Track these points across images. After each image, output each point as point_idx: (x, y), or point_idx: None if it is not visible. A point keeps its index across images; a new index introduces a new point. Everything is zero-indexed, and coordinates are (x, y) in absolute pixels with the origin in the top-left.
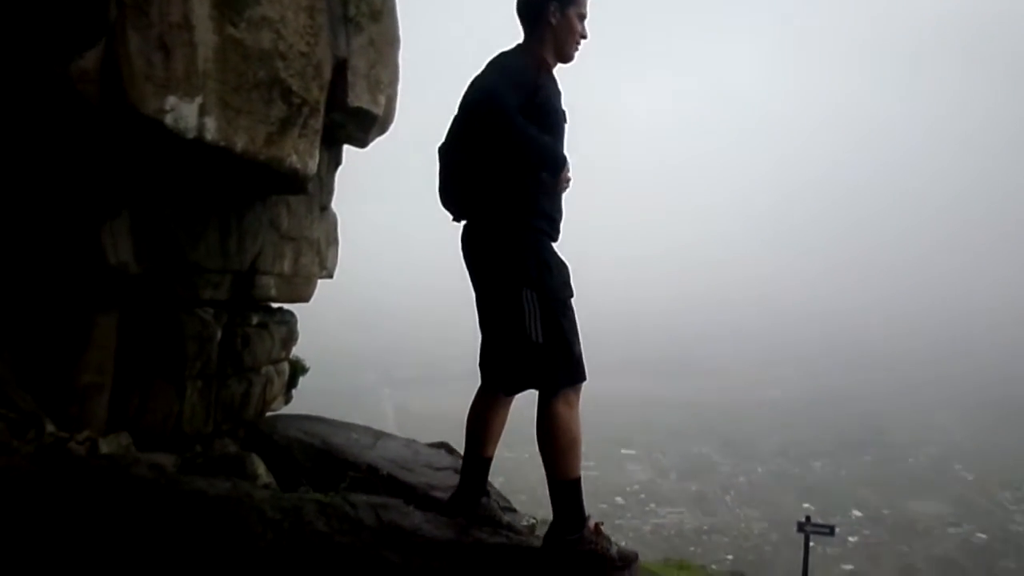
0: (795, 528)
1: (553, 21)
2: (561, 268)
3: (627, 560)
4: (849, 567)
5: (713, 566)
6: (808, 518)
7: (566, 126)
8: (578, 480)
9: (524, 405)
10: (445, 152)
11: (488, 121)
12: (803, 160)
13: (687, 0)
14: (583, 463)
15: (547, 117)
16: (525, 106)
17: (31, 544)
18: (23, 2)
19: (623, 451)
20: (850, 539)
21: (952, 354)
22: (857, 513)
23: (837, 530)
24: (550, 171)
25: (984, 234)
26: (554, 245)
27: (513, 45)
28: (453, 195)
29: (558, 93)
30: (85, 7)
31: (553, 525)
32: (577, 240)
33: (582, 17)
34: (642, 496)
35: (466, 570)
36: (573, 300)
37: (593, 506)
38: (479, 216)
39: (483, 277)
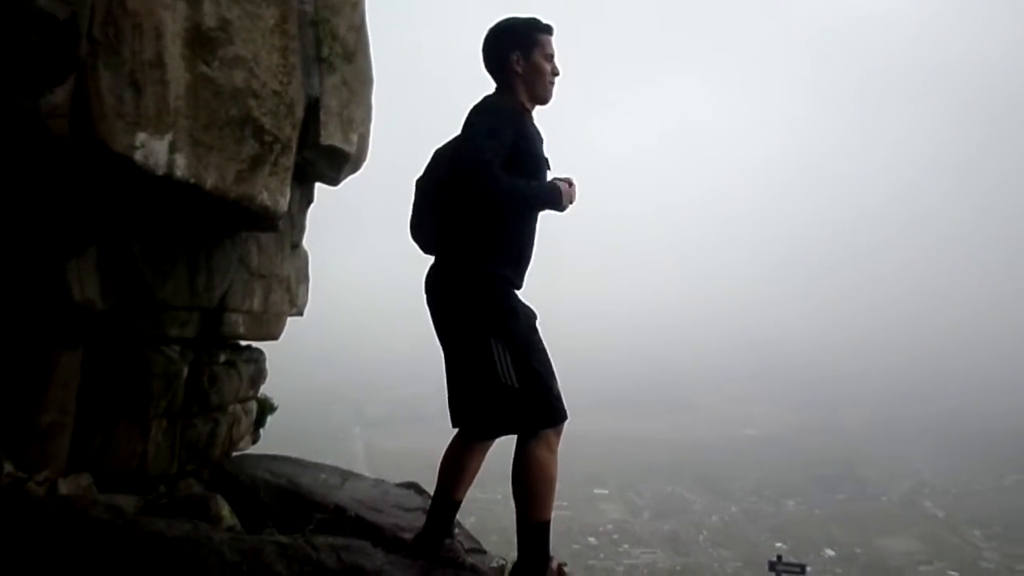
0: (767, 567)
1: (519, 69)
2: (527, 313)
3: None
4: None
5: None
6: (780, 557)
7: (548, 172)
8: (548, 523)
9: (496, 444)
10: (422, 188)
11: (482, 196)
12: (774, 196)
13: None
14: (556, 503)
15: (528, 164)
16: (510, 156)
17: None
18: None
19: (596, 490)
20: None
21: (922, 391)
22: (830, 552)
23: (809, 569)
24: (552, 207)
25: (954, 273)
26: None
27: (489, 93)
28: (423, 229)
29: (540, 139)
30: (55, 44)
31: (517, 566)
32: (544, 274)
33: (548, 57)
34: (615, 536)
35: None
36: (544, 343)
37: (566, 547)
38: (445, 258)
39: (448, 324)
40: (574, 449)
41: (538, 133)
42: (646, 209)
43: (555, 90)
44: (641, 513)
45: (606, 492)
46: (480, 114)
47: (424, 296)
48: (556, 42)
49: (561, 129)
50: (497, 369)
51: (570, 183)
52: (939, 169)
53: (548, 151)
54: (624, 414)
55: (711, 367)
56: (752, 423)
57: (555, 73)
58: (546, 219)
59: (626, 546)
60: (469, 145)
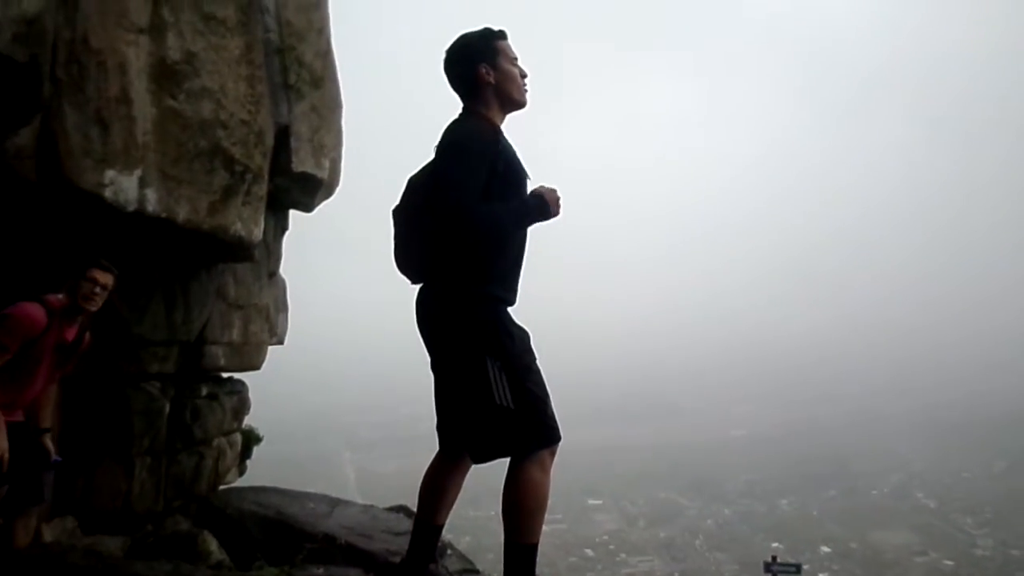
0: (763, 569)
1: (491, 80)
2: (522, 334)
3: None
4: None
5: None
6: (775, 557)
7: (528, 182)
8: (536, 545)
9: (487, 464)
10: (400, 216)
11: (467, 239)
12: (750, 196)
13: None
14: (551, 517)
15: (509, 181)
16: (489, 179)
17: None
18: None
19: (590, 501)
20: None
21: (908, 383)
22: (826, 549)
23: (806, 567)
24: (539, 220)
25: (940, 269)
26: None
27: (459, 114)
28: (409, 259)
29: (514, 152)
30: (16, 86)
31: None
32: (528, 288)
33: (513, 60)
34: (611, 547)
35: None
36: (538, 362)
37: (562, 560)
38: (435, 282)
39: (441, 347)
40: (565, 461)
41: (511, 147)
42: (626, 218)
43: (529, 92)
44: (636, 521)
45: (600, 502)
46: (450, 149)
47: (416, 321)
48: (515, 46)
49: (538, 138)
50: (493, 391)
51: (552, 190)
52: (918, 176)
53: (525, 161)
54: (612, 423)
55: (692, 372)
56: (739, 424)
57: (523, 75)
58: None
59: (623, 555)
60: (444, 190)
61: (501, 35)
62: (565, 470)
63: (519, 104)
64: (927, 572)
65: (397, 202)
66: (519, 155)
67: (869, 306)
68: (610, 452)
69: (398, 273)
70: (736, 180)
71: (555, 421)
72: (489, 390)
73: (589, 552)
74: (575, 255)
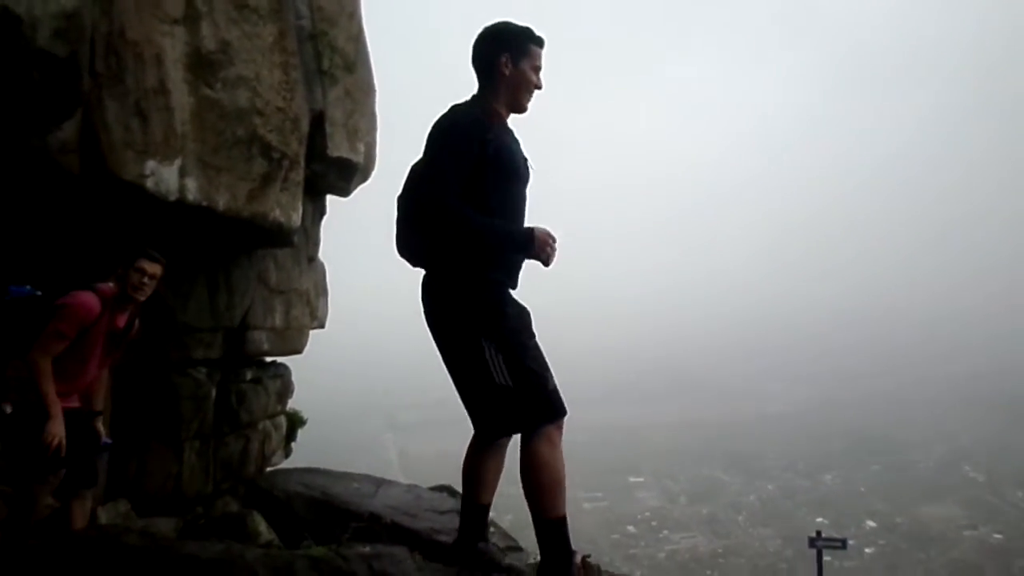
0: (808, 544)
1: (506, 72)
2: (519, 312)
3: None
4: None
5: None
6: (819, 532)
7: (530, 172)
8: (563, 518)
9: (517, 443)
10: (400, 202)
11: (437, 223)
12: (788, 167)
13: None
14: (592, 495)
15: (501, 169)
16: (477, 165)
17: None
18: None
19: (631, 479)
20: (867, 550)
21: (952, 353)
22: (871, 523)
23: (851, 542)
24: (515, 250)
25: (978, 229)
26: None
27: (459, 101)
28: (410, 246)
29: (514, 142)
30: (58, 80)
31: (542, 565)
32: (562, 264)
33: (536, 69)
34: (654, 523)
35: None
36: (538, 340)
37: (605, 537)
38: (434, 268)
39: (442, 332)
40: (605, 439)
41: (511, 137)
42: (633, 184)
43: (531, 104)
44: (678, 498)
45: (641, 480)
46: (433, 140)
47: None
48: (545, 56)
49: (548, 108)
50: (491, 370)
51: (546, 233)
52: (960, 146)
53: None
54: (647, 400)
55: (721, 347)
56: (777, 399)
57: (537, 87)
58: (541, 210)
59: (666, 532)
60: (422, 181)
61: (537, 41)
62: (604, 448)
63: (519, 109)
64: (976, 546)
65: (400, 190)
66: (519, 147)
67: (911, 276)
68: (648, 429)
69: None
70: (743, 139)
71: (557, 395)
72: (487, 370)
73: (631, 529)
74: (589, 223)
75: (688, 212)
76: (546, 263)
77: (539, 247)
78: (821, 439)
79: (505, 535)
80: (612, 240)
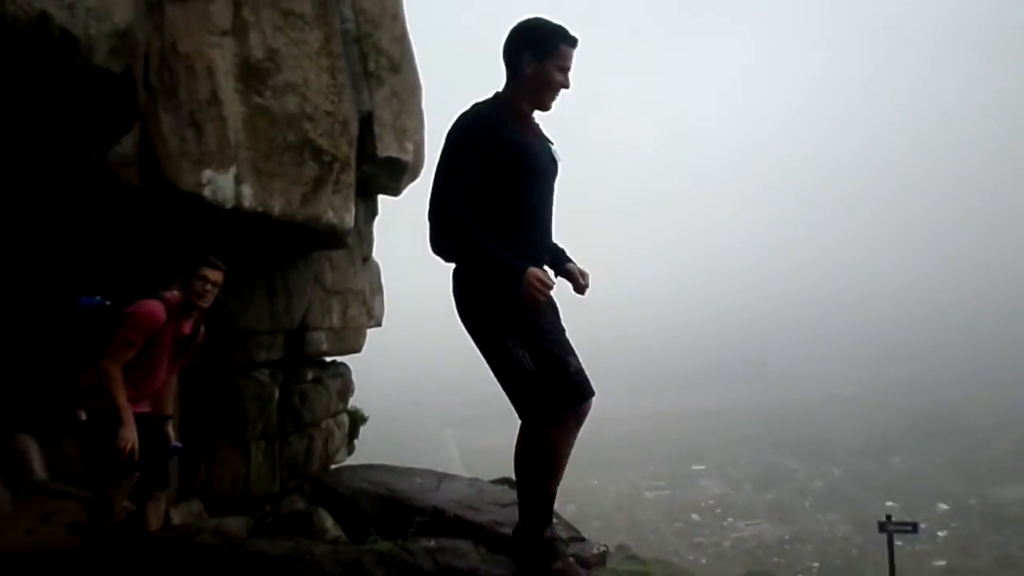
0: (878, 529)
1: (528, 71)
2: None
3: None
4: (942, 563)
5: None
6: (889, 517)
7: (556, 165)
8: (552, 496)
9: (584, 433)
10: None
11: (443, 233)
12: (842, 138)
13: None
14: (654, 484)
15: (515, 168)
16: (489, 164)
17: None
18: (54, 97)
19: (693, 467)
20: (939, 534)
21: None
22: (943, 506)
23: (923, 526)
24: (503, 281)
25: None
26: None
27: (481, 100)
28: (438, 242)
29: (535, 138)
30: (115, 96)
31: (518, 527)
32: (610, 254)
33: (562, 69)
34: (718, 511)
35: None
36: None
37: (668, 525)
38: (459, 263)
39: (468, 322)
40: (666, 427)
41: (531, 135)
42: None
43: (556, 102)
44: (742, 485)
45: (703, 467)
46: (448, 143)
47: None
48: (577, 55)
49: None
50: (510, 358)
51: (541, 279)
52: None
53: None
54: (706, 387)
55: (781, 330)
56: (841, 382)
57: (564, 86)
58: (575, 192)
59: (730, 519)
60: (433, 191)
61: (568, 40)
62: (665, 436)
63: (541, 107)
64: None
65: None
66: (542, 141)
67: (975, 253)
68: (711, 417)
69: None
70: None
71: (581, 377)
72: (508, 358)
73: (695, 517)
74: (648, 193)
75: (747, 187)
76: (526, 303)
77: (524, 288)
78: (888, 421)
79: (568, 525)
80: (669, 215)
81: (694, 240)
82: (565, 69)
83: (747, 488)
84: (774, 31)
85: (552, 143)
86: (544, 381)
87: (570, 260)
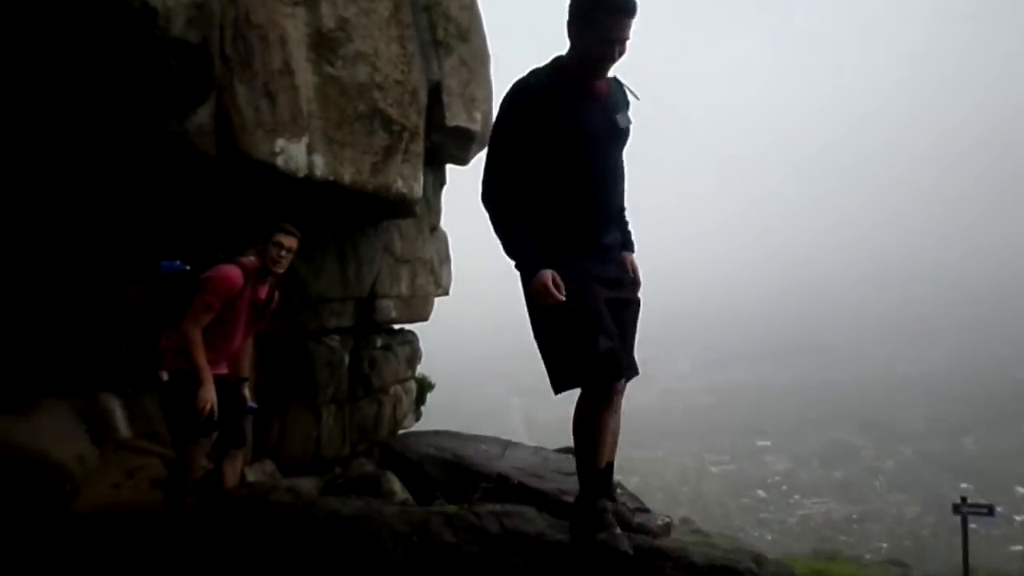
0: (952, 511)
1: (577, 41)
2: (573, 273)
3: None
4: (1018, 548)
5: (867, 556)
6: (964, 499)
7: (620, 131)
8: (599, 469)
9: (643, 405)
10: None
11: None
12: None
13: None
14: (718, 458)
15: (561, 137)
16: (535, 134)
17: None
18: (134, 67)
19: (758, 443)
20: (1016, 518)
21: None
22: (1020, 489)
23: (999, 509)
24: (519, 270)
25: None
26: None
27: (555, 56)
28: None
29: (594, 104)
30: (192, 67)
31: (576, 500)
32: (666, 234)
33: (607, 41)
34: (784, 488)
35: (591, 572)
36: (594, 300)
37: (733, 501)
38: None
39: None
40: (730, 402)
41: (590, 99)
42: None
43: (611, 66)
44: (808, 462)
45: (769, 443)
46: (500, 107)
47: None
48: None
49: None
50: (545, 329)
51: (548, 287)
52: None
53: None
54: (777, 362)
55: (846, 306)
56: (911, 360)
57: (610, 58)
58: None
59: (797, 496)
60: (484, 177)
61: (619, 11)
62: (729, 411)
63: (595, 76)
64: None
65: None
66: (601, 108)
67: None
68: (776, 393)
69: None
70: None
71: (610, 357)
72: (539, 329)
73: (761, 493)
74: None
75: (808, 159)
76: (536, 301)
77: (533, 289)
78: (961, 399)
79: (632, 496)
80: (737, 185)
81: (753, 213)
82: (611, 40)
83: (813, 465)
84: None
85: (627, 106)
86: (571, 357)
87: (630, 249)
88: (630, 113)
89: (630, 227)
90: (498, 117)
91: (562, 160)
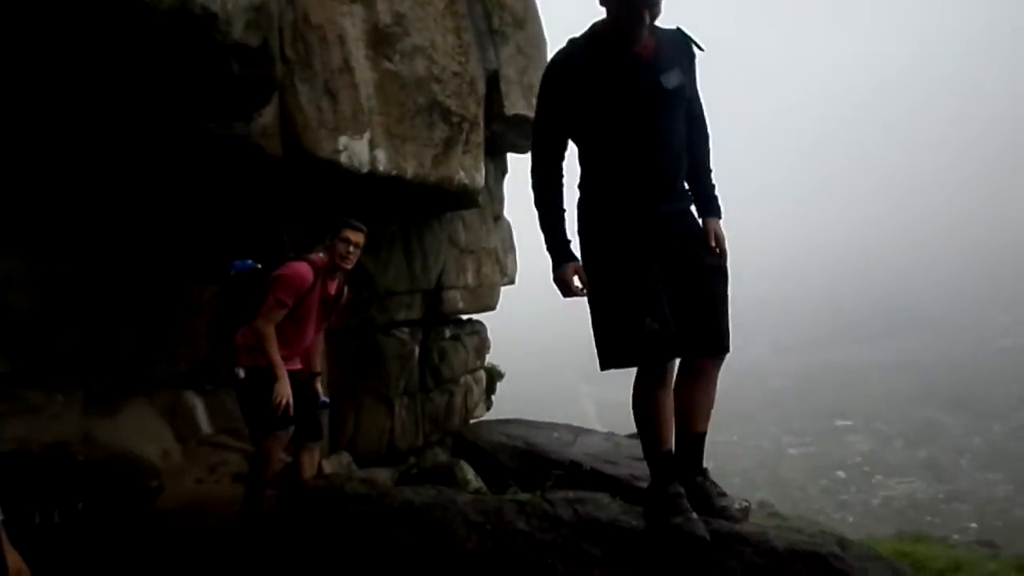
0: None
1: (607, 6)
2: (613, 240)
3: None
4: None
5: (955, 536)
6: None
7: (664, 94)
8: (660, 452)
9: (719, 390)
10: None
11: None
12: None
13: None
14: (798, 440)
15: (598, 103)
16: (574, 103)
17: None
18: (197, 72)
19: (839, 423)
20: None
21: None
22: None
23: None
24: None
25: None
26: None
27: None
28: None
29: (637, 65)
30: (254, 69)
31: (648, 487)
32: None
33: (633, 5)
34: (866, 468)
35: (667, 558)
36: (644, 273)
37: (813, 483)
38: None
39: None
40: (809, 383)
41: (631, 61)
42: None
43: (643, 29)
44: (892, 442)
45: (850, 423)
46: (539, 87)
47: None
48: None
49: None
50: (594, 303)
51: (566, 283)
52: None
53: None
54: (861, 341)
55: (941, 277)
56: (1003, 334)
57: (635, 24)
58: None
59: (879, 477)
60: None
61: None
62: (808, 392)
63: (619, 41)
64: None
65: None
66: (645, 69)
67: None
68: (857, 371)
69: None
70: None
71: (655, 338)
72: (592, 304)
73: (841, 474)
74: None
75: (886, 131)
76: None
77: (555, 281)
78: None
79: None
80: (809, 160)
81: (836, 188)
82: (638, 4)
83: (897, 445)
84: None
85: (691, 60)
86: (615, 337)
87: (713, 215)
88: (696, 66)
89: (716, 191)
90: (539, 93)
91: (601, 130)
